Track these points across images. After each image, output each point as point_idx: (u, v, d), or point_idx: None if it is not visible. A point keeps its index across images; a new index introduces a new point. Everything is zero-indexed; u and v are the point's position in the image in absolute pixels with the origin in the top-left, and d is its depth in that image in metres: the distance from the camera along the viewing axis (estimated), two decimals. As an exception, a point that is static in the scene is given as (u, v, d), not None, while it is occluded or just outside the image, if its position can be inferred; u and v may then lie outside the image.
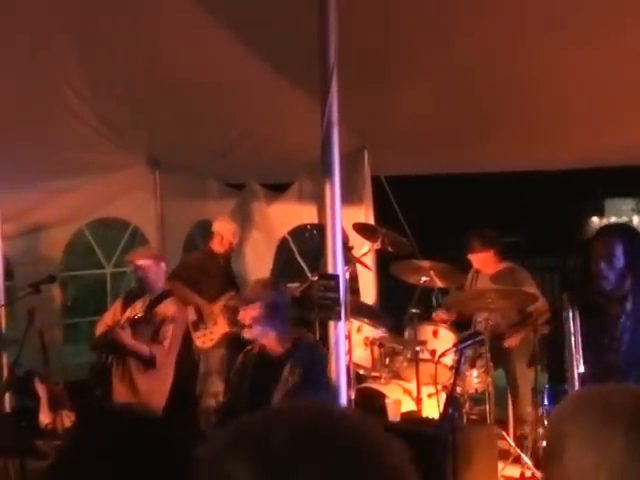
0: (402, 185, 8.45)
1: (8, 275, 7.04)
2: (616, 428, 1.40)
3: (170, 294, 5.94)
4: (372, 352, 6.49)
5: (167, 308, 5.80)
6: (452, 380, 5.21)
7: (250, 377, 4.38)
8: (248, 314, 4.34)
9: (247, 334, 4.38)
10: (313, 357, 4.20)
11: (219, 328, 7.00)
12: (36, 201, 7.22)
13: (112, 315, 6.01)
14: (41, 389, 5.33)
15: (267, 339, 4.35)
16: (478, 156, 7.88)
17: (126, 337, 5.58)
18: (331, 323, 3.94)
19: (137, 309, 5.76)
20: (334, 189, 3.79)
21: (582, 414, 1.45)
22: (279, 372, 4.21)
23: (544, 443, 1.52)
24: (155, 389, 5.79)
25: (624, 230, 4.70)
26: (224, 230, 7.30)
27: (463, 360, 5.57)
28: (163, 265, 6.02)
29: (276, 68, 5.51)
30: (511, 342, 6.35)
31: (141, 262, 5.84)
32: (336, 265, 3.82)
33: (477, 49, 4.97)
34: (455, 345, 5.68)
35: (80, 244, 8.64)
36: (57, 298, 7.82)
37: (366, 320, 6.61)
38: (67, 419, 5.15)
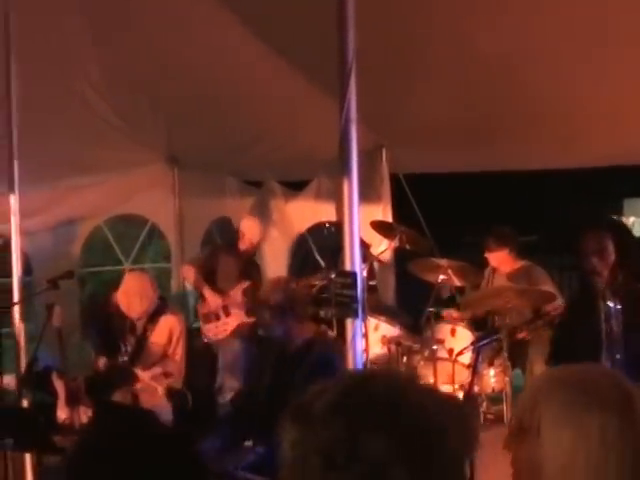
0: (420, 183, 8.43)
1: (27, 271, 7.08)
2: (592, 406, 1.42)
3: (165, 307, 6.06)
4: (389, 350, 6.48)
5: (168, 321, 5.89)
6: (470, 379, 5.18)
7: (268, 372, 4.39)
8: (263, 315, 4.37)
9: (262, 333, 4.43)
10: (329, 355, 4.19)
11: (233, 319, 7.01)
12: (55, 197, 7.26)
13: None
14: (59, 385, 5.34)
15: (282, 338, 4.37)
16: (496, 155, 7.84)
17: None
18: (348, 321, 3.93)
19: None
20: (352, 187, 3.78)
21: (557, 392, 1.46)
22: (295, 369, 4.21)
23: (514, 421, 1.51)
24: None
25: (614, 225, 4.48)
26: (248, 229, 7.38)
27: (480, 359, 5.54)
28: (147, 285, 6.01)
29: (294, 66, 5.51)
30: (523, 335, 6.27)
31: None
32: (354, 262, 3.81)
33: (497, 48, 4.95)
34: (472, 344, 5.66)
35: (99, 240, 8.69)
36: (75, 294, 7.86)
37: (383, 318, 6.60)
38: (84, 415, 5.17)
